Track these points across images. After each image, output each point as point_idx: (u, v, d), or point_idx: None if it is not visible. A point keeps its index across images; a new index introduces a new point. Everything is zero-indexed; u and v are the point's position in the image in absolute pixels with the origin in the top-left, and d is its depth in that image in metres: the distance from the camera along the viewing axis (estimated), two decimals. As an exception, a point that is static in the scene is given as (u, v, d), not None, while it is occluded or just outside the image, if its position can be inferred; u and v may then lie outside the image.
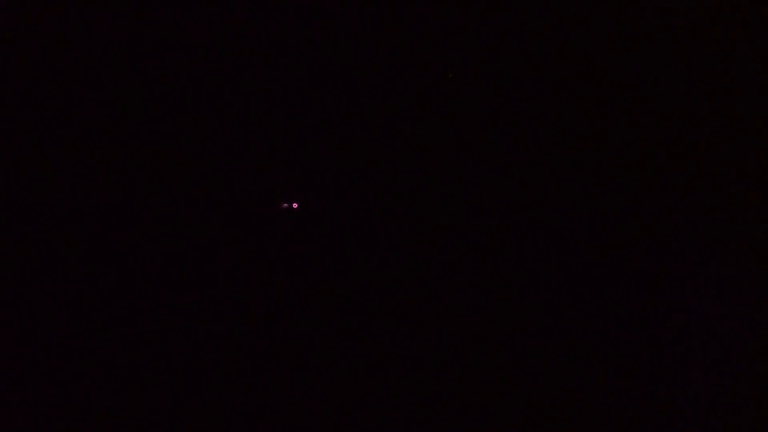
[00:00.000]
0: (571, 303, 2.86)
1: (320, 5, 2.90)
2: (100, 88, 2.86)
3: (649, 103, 2.90)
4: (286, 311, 2.86)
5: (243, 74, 2.89)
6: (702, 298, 2.83)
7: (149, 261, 2.82)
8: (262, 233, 2.88)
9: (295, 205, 2.89)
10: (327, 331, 2.85)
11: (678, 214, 2.87)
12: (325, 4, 2.90)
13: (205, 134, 2.88)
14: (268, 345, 2.83)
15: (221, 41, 2.88)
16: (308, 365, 2.83)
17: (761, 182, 2.83)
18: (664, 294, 2.85)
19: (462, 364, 2.84)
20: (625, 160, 2.90)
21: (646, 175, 2.89)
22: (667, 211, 2.88)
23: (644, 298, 2.85)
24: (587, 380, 2.81)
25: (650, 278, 2.86)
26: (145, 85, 2.87)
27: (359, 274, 2.87)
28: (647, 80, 2.90)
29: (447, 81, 2.91)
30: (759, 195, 2.82)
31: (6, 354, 2.74)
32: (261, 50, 2.90)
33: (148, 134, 2.87)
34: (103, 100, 2.86)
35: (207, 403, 2.77)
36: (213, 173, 2.88)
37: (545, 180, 2.91)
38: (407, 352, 2.84)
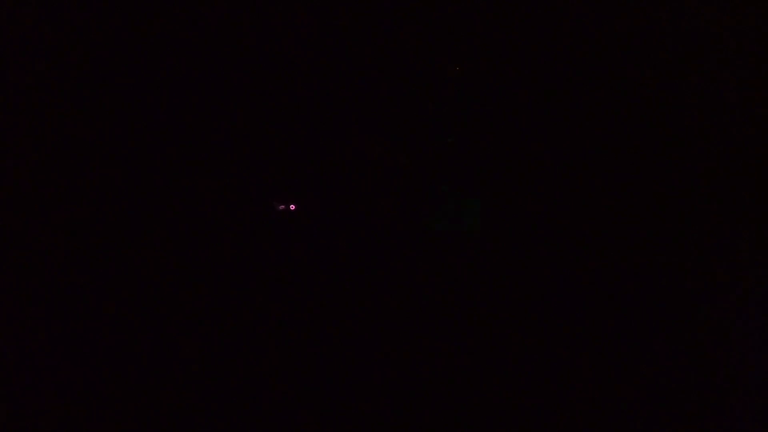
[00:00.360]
0: (570, 305, 2.87)
1: (319, 5, 2.91)
2: (99, 88, 2.87)
3: (649, 104, 2.91)
4: (283, 312, 2.86)
5: (242, 76, 2.90)
6: (703, 299, 2.84)
7: (147, 262, 2.82)
8: (259, 235, 2.88)
9: (292, 207, 2.89)
10: (325, 332, 2.86)
11: (679, 215, 2.88)
12: (325, 5, 2.91)
13: (203, 136, 2.89)
14: (264, 345, 2.83)
15: (220, 43, 2.89)
16: (306, 366, 2.83)
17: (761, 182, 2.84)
18: (663, 294, 2.86)
19: (461, 364, 2.84)
20: (625, 161, 2.91)
21: (647, 176, 2.90)
22: (668, 211, 2.89)
23: (644, 299, 2.86)
24: (587, 381, 2.82)
25: (650, 279, 2.87)
26: (144, 87, 2.87)
27: (357, 276, 2.88)
28: (648, 81, 2.91)
29: (454, 75, 2.91)
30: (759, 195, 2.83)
31: (6, 354, 2.75)
32: (260, 52, 2.91)
33: (146, 136, 2.88)
34: (101, 100, 2.86)
35: (204, 403, 2.78)
36: (211, 174, 2.88)
37: (547, 181, 2.91)
38: (405, 353, 2.85)
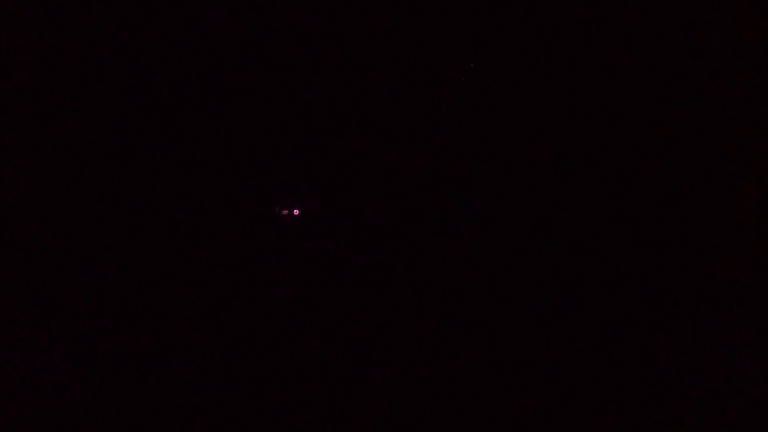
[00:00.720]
0: (571, 305, 2.87)
1: (320, 7, 2.90)
2: (98, 89, 2.86)
3: (649, 104, 2.91)
4: (286, 318, 2.86)
5: (245, 81, 2.89)
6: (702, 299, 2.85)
7: (147, 267, 2.82)
8: (262, 240, 2.88)
9: (296, 212, 2.89)
10: (327, 337, 2.86)
11: (679, 214, 2.89)
12: (325, 6, 2.90)
13: (203, 136, 2.88)
14: (266, 350, 2.83)
15: (220, 43, 2.88)
16: (309, 369, 2.83)
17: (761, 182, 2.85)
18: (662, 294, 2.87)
19: (462, 365, 2.85)
20: (625, 161, 2.91)
21: (647, 176, 2.91)
22: (669, 211, 2.89)
23: (644, 299, 2.87)
24: (587, 381, 2.82)
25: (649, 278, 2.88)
26: (144, 87, 2.87)
27: (360, 282, 2.88)
28: (648, 81, 2.91)
29: (468, 72, 2.91)
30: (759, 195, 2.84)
31: (6, 354, 2.75)
32: (260, 52, 2.90)
33: (146, 137, 2.87)
34: (101, 102, 2.86)
35: (204, 403, 2.78)
36: (213, 179, 2.88)
37: (548, 180, 2.92)
38: (407, 354, 2.85)
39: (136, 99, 2.86)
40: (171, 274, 2.82)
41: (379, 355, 2.83)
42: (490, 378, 2.82)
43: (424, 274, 2.88)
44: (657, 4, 2.89)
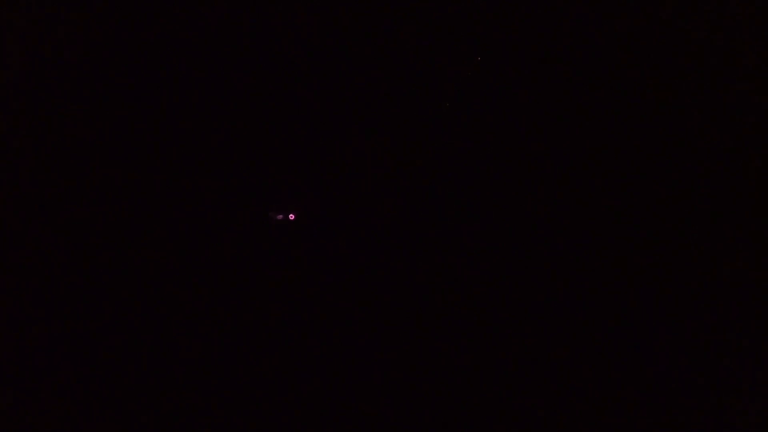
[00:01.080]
0: (571, 305, 2.87)
1: (320, 7, 2.90)
2: (98, 89, 2.87)
3: (649, 104, 2.91)
4: (281, 323, 2.87)
5: (241, 81, 2.89)
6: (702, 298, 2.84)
7: (142, 269, 2.82)
8: (256, 246, 2.88)
9: (291, 217, 2.89)
10: (325, 340, 2.86)
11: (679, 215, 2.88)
12: (325, 6, 2.90)
13: (201, 141, 2.89)
14: (262, 352, 2.84)
15: (220, 43, 2.88)
16: (303, 373, 2.84)
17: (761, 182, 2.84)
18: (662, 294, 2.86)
19: (462, 365, 2.85)
20: (625, 161, 2.91)
21: (647, 176, 2.90)
22: (669, 211, 2.89)
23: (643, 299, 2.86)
24: (588, 381, 2.82)
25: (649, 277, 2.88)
26: (144, 87, 2.87)
27: (359, 287, 2.88)
28: (648, 81, 2.91)
29: (474, 65, 2.90)
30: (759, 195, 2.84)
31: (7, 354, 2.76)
32: (260, 52, 2.90)
33: (144, 138, 2.87)
34: (100, 101, 2.86)
35: (204, 403, 2.79)
36: (207, 181, 2.88)
37: (548, 181, 2.91)
38: (408, 357, 2.85)
39: (130, 99, 2.86)
40: (165, 276, 2.82)
41: (379, 355, 2.84)
42: (490, 378, 2.82)
43: (424, 275, 2.88)
44: (657, 4, 2.88)
